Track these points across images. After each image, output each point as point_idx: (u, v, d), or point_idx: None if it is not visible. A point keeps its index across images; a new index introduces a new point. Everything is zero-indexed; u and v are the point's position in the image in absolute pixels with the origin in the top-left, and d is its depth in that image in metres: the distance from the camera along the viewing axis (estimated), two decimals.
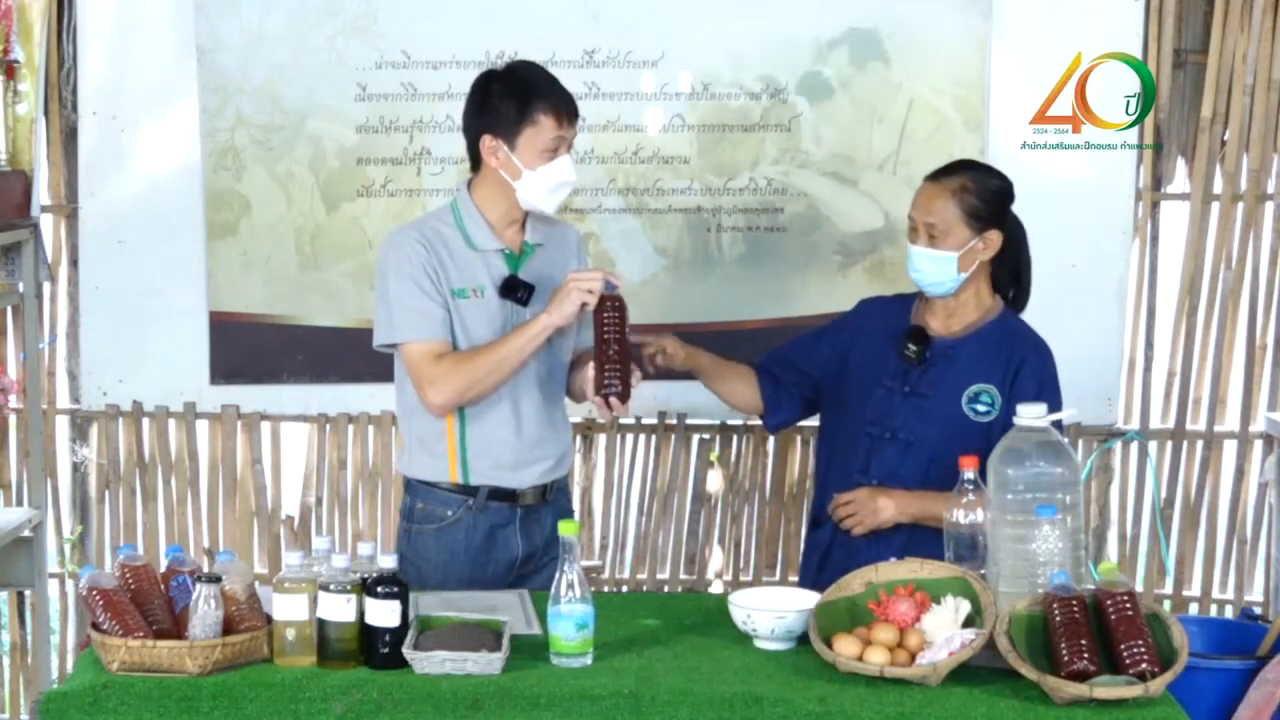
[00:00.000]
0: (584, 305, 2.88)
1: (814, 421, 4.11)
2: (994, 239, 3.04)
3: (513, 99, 2.94)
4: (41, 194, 3.91)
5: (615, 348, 2.90)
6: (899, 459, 3.05)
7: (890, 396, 3.07)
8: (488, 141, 2.96)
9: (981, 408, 3.02)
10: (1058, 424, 2.64)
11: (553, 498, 3.11)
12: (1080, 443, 4.05)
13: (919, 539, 2.94)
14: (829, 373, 3.21)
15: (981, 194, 3.03)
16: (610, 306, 2.90)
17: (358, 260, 3.95)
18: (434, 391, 2.93)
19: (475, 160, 3.01)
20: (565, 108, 2.96)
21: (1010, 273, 3.13)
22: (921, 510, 2.98)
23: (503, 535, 3.05)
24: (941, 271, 3.02)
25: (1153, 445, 4.14)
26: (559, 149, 2.95)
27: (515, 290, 2.99)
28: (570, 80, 3.88)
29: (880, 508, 3.01)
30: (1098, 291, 4.00)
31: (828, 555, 3.11)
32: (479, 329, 2.98)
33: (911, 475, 3.02)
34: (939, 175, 3.07)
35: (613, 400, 2.90)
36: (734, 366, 3.32)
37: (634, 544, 4.19)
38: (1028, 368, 3.03)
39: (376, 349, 3.03)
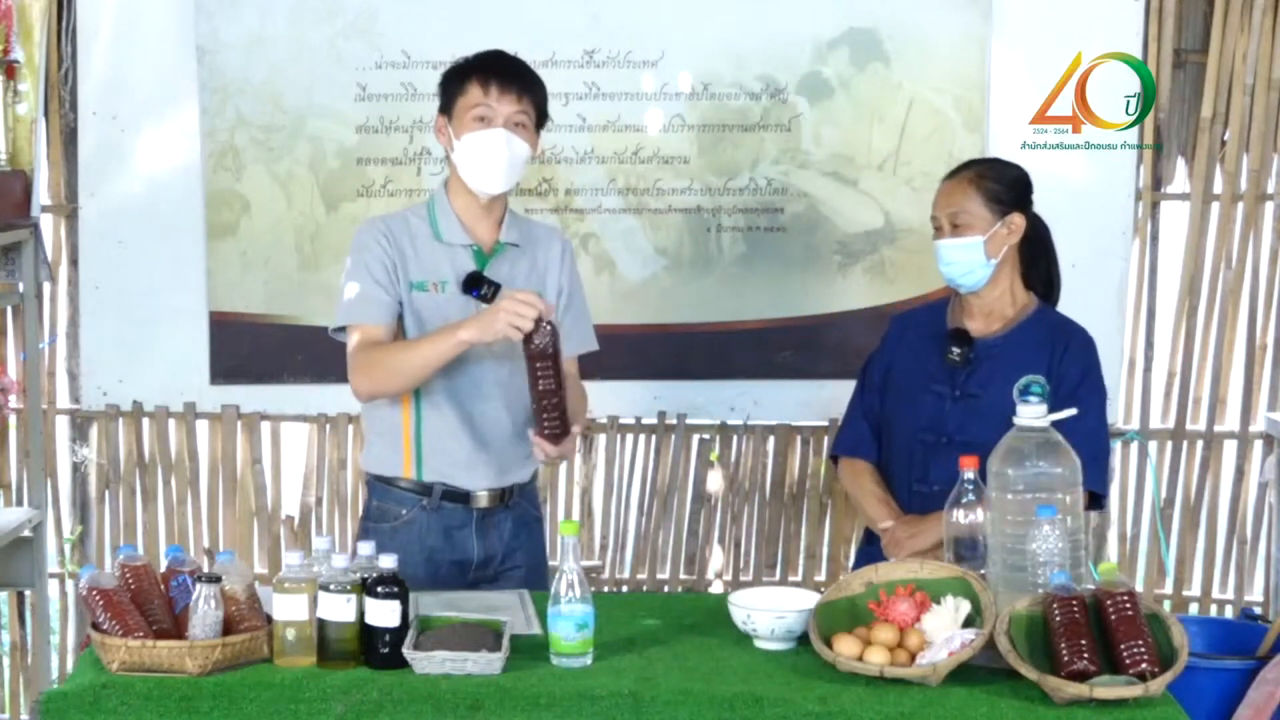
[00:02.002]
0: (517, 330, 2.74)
1: (814, 421, 4.13)
2: (1018, 222, 3.05)
3: (455, 74, 2.95)
4: (41, 194, 3.91)
5: (552, 382, 2.78)
6: (956, 463, 3.01)
7: (940, 402, 3.06)
8: (438, 121, 2.97)
9: (1034, 399, 3.00)
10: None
11: (513, 503, 3.06)
12: None
13: None
14: (882, 396, 3.19)
15: (1000, 179, 3.06)
16: (543, 335, 2.75)
17: None
18: (355, 378, 2.92)
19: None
20: (497, 78, 2.90)
21: (1041, 273, 3.14)
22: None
23: (459, 536, 3.02)
24: (970, 259, 3.02)
25: (1153, 445, 4.14)
26: (491, 120, 2.89)
27: (478, 285, 2.94)
28: (570, 80, 3.93)
29: (918, 534, 3.00)
30: (1098, 291, 3.99)
31: None
32: (435, 323, 2.92)
33: None
34: (953, 174, 3.10)
35: (547, 441, 2.83)
36: (877, 485, 3.19)
37: (634, 544, 4.19)
38: (1070, 355, 3.04)
39: (331, 336, 3.03)
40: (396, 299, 2.94)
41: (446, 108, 2.96)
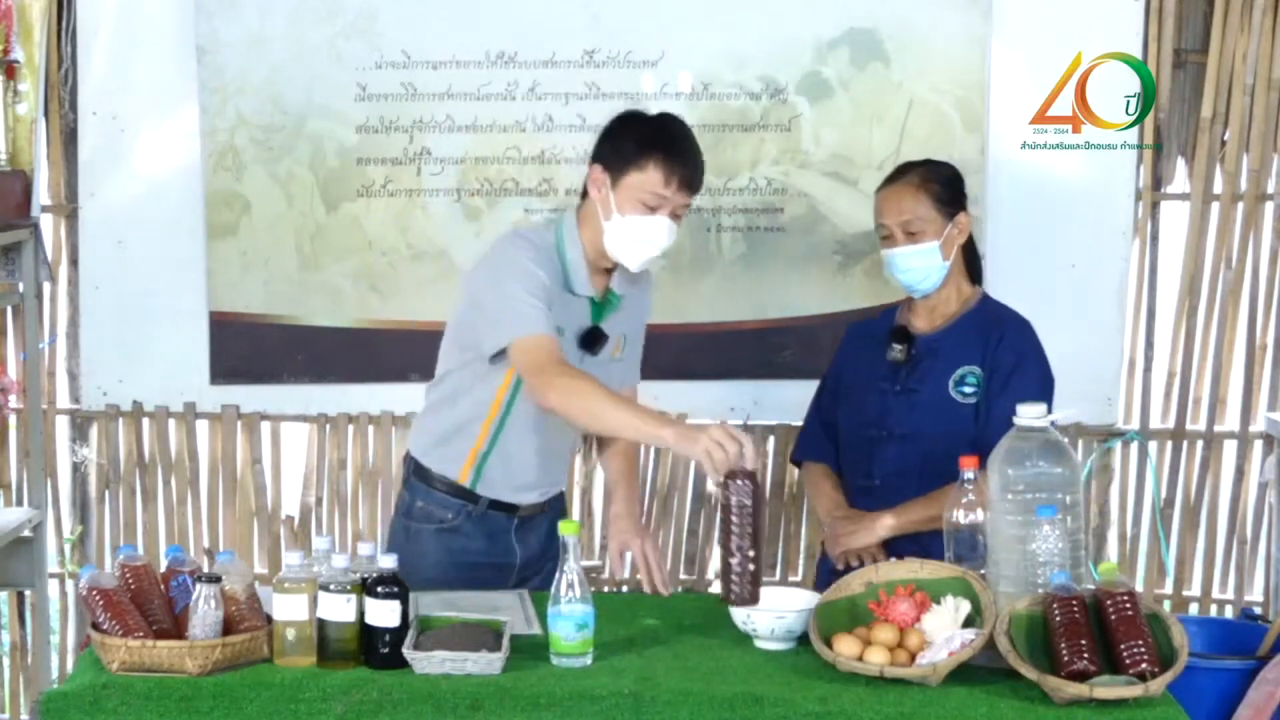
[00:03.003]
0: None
1: None
2: (965, 221, 3.10)
3: (634, 140, 2.85)
4: (41, 194, 3.91)
5: (750, 542, 2.51)
6: (898, 456, 3.08)
7: (884, 398, 3.11)
8: (595, 172, 2.88)
9: (967, 389, 3.06)
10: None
11: (549, 507, 3.13)
12: (1080, 443, 4.05)
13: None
14: (834, 398, 3.25)
15: (941, 180, 3.09)
16: (745, 488, 2.51)
17: (358, 260, 3.96)
18: (548, 391, 2.76)
19: (585, 188, 2.95)
20: (682, 171, 2.83)
21: (966, 256, 3.16)
22: (910, 519, 3.00)
23: (501, 541, 3.06)
24: (929, 264, 3.06)
25: (1153, 445, 4.14)
26: (659, 208, 2.84)
27: (594, 343, 2.94)
28: (570, 80, 3.93)
29: (857, 531, 3.04)
30: (1098, 291, 4.00)
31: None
32: None
33: (911, 469, 3.04)
34: (892, 179, 3.12)
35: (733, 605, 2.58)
36: (830, 485, 3.23)
37: None
38: (1005, 341, 3.06)
39: (489, 358, 2.88)
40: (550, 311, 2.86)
41: (612, 166, 2.86)
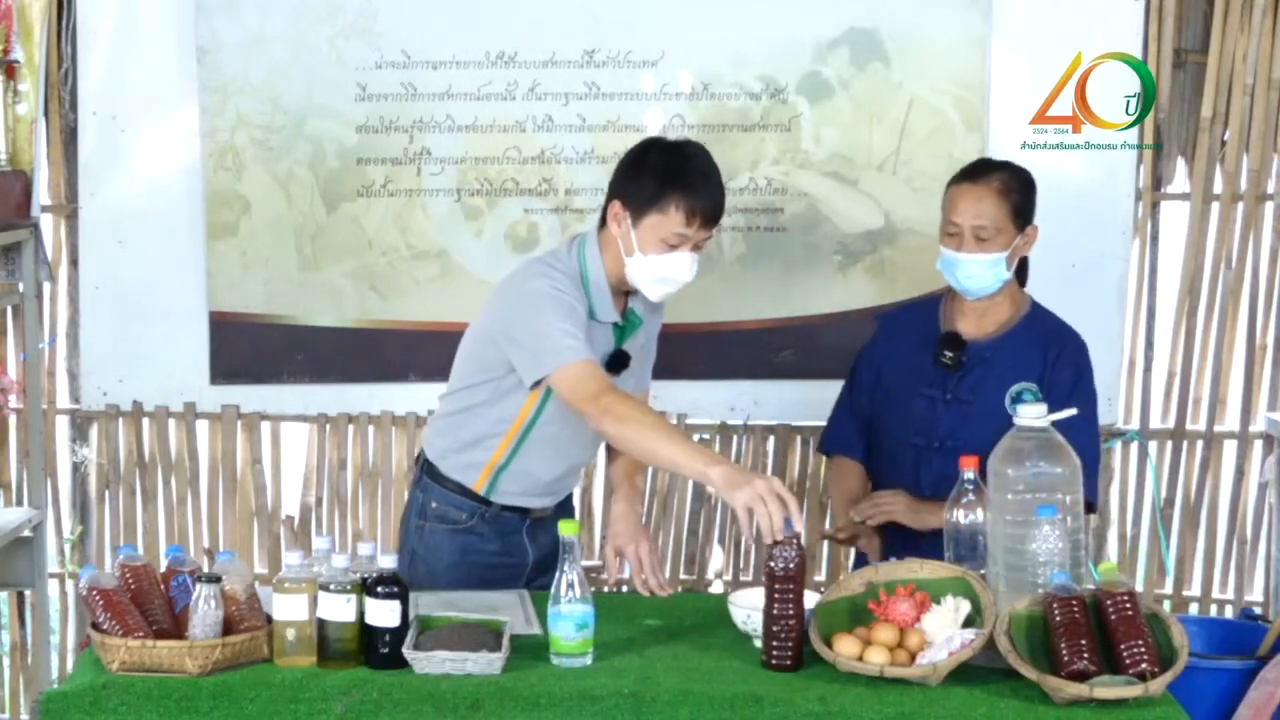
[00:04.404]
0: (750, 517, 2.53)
1: (814, 421, 4.11)
2: (1033, 234, 3.05)
3: (655, 178, 2.83)
4: (41, 194, 3.91)
5: (790, 608, 2.48)
6: (946, 467, 2.97)
7: (932, 406, 3.05)
8: (616, 208, 2.87)
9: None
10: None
11: (559, 507, 3.16)
12: None
13: None
14: (873, 396, 3.19)
15: (1022, 190, 3.02)
16: (790, 555, 2.48)
17: (358, 260, 3.95)
18: (608, 422, 2.73)
19: (603, 217, 2.94)
20: (704, 208, 2.82)
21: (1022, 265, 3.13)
22: (923, 521, 2.98)
23: (513, 541, 3.09)
24: (993, 274, 3.00)
25: (1153, 445, 4.14)
26: (681, 245, 2.84)
27: (620, 367, 2.94)
28: (570, 80, 3.93)
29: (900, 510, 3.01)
30: (1098, 291, 4.00)
31: None
32: None
33: None
34: (975, 177, 3.02)
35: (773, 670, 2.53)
36: (854, 475, 3.23)
37: None
38: (1064, 360, 3.03)
39: (529, 386, 2.87)
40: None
41: (632, 204, 2.85)
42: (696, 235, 2.84)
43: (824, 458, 3.40)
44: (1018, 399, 2.97)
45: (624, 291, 2.97)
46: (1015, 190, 3.01)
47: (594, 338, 2.90)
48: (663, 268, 2.85)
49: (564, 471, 3.09)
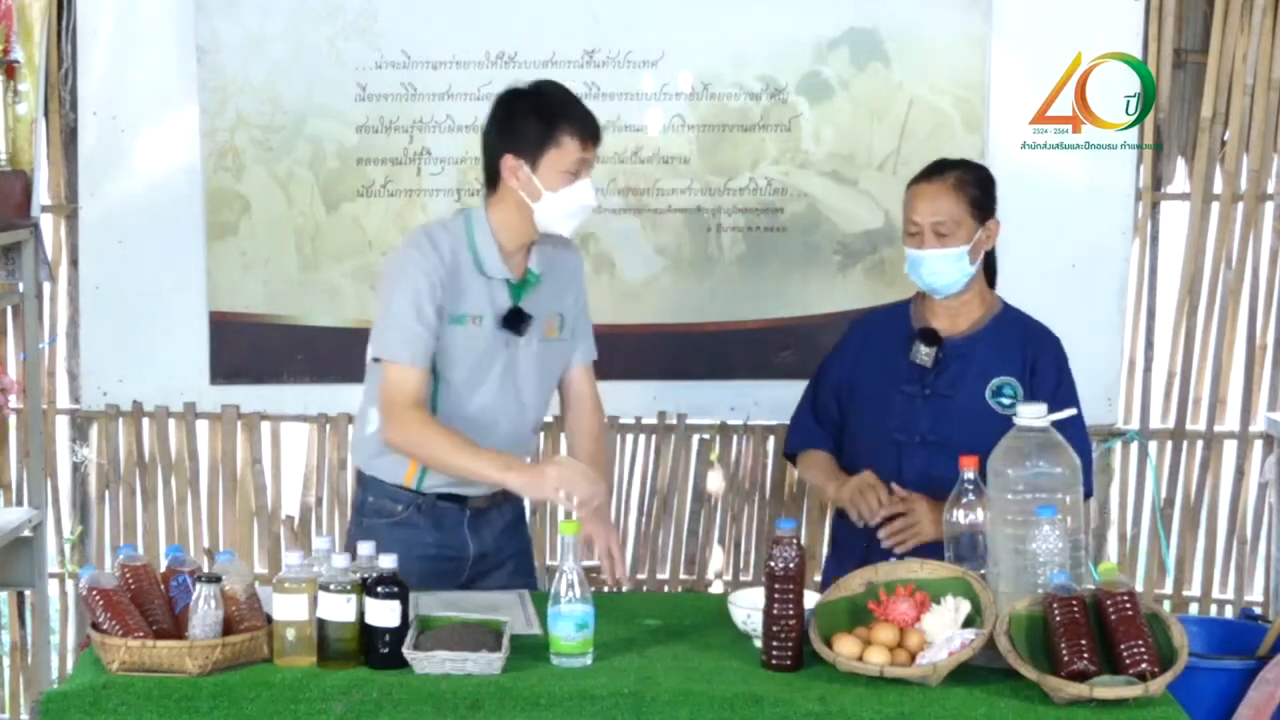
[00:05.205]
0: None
1: None
2: (994, 227, 3.06)
3: (537, 119, 2.90)
4: (41, 194, 3.91)
5: (790, 609, 2.49)
6: (929, 462, 3.03)
7: (911, 401, 3.06)
8: (509, 161, 2.91)
9: (1006, 400, 3.01)
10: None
11: (502, 501, 3.10)
12: None
13: None
14: (843, 397, 3.19)
15: (978, 184, 3.06)
16: (789, 555, 2.49)
17: (358, 260, 3.95)
18: (390, 428, 2.91)
19: (492, 179, 2.97)
20: (589, 130, 2.92)
21: (985, 259, 3.13)
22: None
23: (453, 534, 3.04)
24: (957, 269, 3.02)
25: (1153, 445, 4.14)
26: (580, 172, 2.91)
27: (516, 322, 2.96)
28: (570, 80, 3.88)
29: (927, 527, 2.96)
30: (1098, 291, 4.00)
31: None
32: (466, 355, 2.95)
33: (944, 477, 2.99)
34: (930, 176, 3.06)
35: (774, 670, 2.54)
36: (824, 457, 3.22)
37: (634, 544, 4.19)
38: (1045, 359, 3.05)
39: (370, 357, 3.00)
40: (435, 336, 2.92)
41: (524, 152, 2.90)
42: (589, 157, 2.93)
43: (791, 462, 3.37)
44: (999, 393, 3.01)
45: (521, 254, 2.99)
46: (971, 184, 3.04)
47: (486, 294, 2.95)
48: (572, 199, 2.91)
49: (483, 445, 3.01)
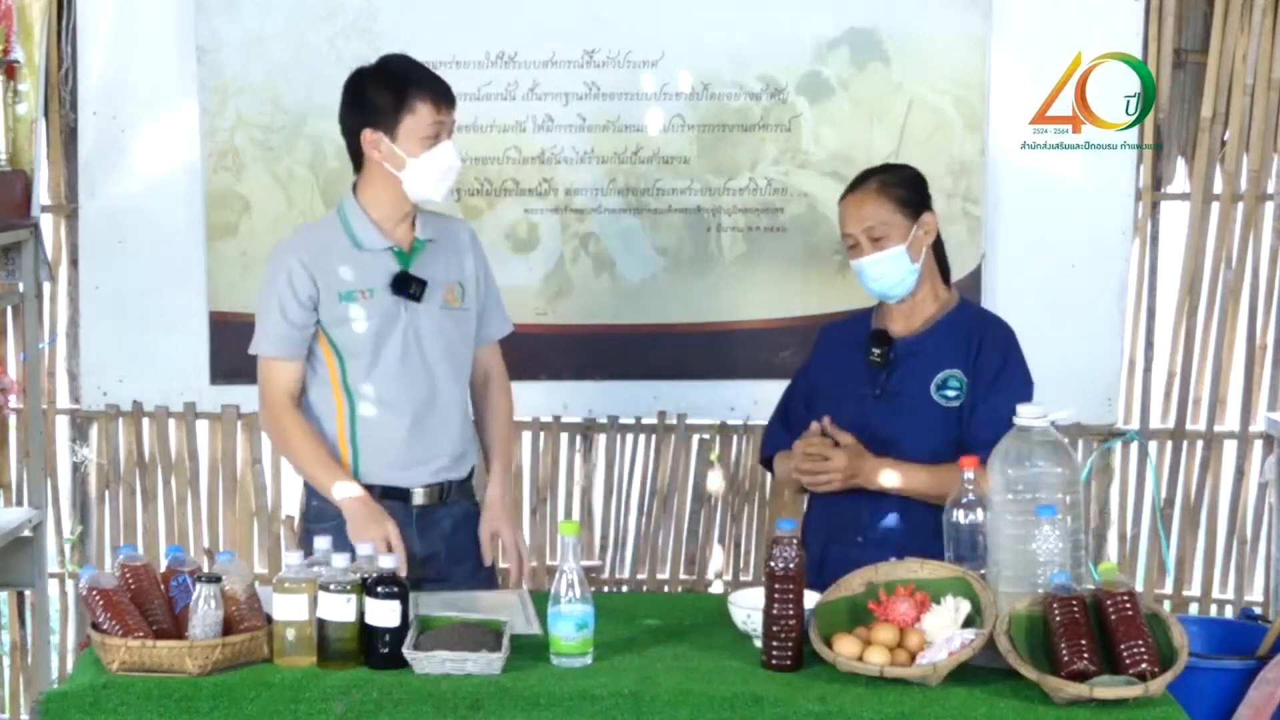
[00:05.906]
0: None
1: None
2: (930, 221, 3.06)
3: (388, 90, 2.95)
4: (41, 194, 3.91)
5: (790, 609, 2.49)
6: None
7: (862, 402, 3.07)
8: (368, 135, 2.96)
9: (950, 393, 3.03)
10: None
11: (452, 499, 3.08)
12: (1080, 443, 4.05)
13: (916, 541, 2.90)
14: (810, 403, 3.19)
15: (903, 184, 3.07)
16: (789, 555, 2.49)
17: None
18: (264, 425, 3.12)
19: (356, 159, 3.02)
20: (440, 93, 2.97)
21: (937, 257, 3.13)
22: (921, 483, 2.96)
23: (402, 535, 2.98)
24: (898, 269, 3.02)
25: (1153, 445, 4.14)
26: (440, 135, 2.95)
27: (407, 286, 2.99)
28: (570, 80, 3.93)
29: (873, 469, 2.98)
30: (1098, 291, 4.00)
31: (821, 569, 2.93)
32: (370, 326, 2.97)
33: None
34: (853, 188, 3.09)
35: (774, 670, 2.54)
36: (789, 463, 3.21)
37: (634, 544, 4.19)
38: (988, 343, 3.05)
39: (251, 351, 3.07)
40: (308, 326, 2.98)
41: (381, 124, 2.95)
42: (447, 120, 2.97)
43: (766, 468, 3.38)
44: (944, 386, 3.03)
45: (402, 225, 3.02)
46: (894, 185, 3.05)
47: (372, 267, 2.99)
48: (436, 162, 2.95)
49: (410, 425, 3.00)
